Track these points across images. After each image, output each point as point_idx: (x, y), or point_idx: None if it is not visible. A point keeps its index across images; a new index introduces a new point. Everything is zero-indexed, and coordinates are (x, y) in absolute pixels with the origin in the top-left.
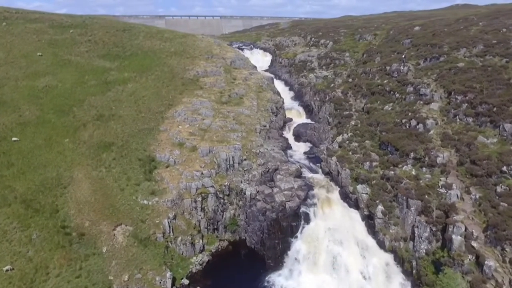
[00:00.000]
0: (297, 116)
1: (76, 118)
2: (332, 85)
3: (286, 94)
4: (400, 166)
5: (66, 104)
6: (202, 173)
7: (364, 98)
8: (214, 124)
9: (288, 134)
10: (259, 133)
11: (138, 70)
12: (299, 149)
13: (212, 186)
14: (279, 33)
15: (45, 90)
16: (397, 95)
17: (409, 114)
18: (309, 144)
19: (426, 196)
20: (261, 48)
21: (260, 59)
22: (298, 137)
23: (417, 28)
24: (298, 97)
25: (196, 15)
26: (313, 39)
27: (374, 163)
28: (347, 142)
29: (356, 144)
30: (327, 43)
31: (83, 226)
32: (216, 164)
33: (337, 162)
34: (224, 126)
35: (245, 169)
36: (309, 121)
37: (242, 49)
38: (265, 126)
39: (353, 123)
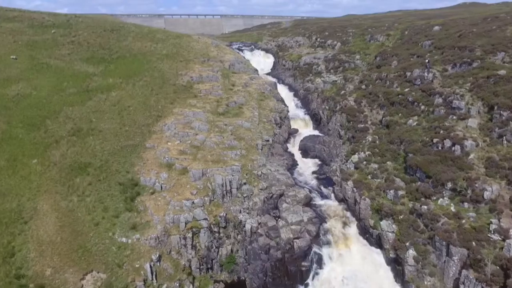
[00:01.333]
0: (304, 126)
1: (48, 133)
2: (343, 92)
3: (290, 100)
4: (434, 198)
5: (38, 116)
6: (193, 202)
7: (381, 109)
8: (208, 140)
9: (294, 149)
10: (261, 149)
11: (124, 76)
12: (307, 167)
13: (205, 219)
14: (281, 32)
15: (16, 99)
16: (423, 107)
17: (441, 132)
18: (318, 161)
19: (474, 244)
20: (262, 49)
21: (262, 61)
22: (305, 152)
23: (436, 28)
24: (304, 104)
25: (196, 14)
26: (318, 39)
27: (400, 192)
28: (365, 162)
29: (376, 165)
30: (335, 44)
31: (44, 275)
32: (211, 190)
33: (354, 188)
34: (220, 142)
35: (244, 195)
36: (317, 132)
37: (242, 50)
38: (268, 140)
39: (370, 139)
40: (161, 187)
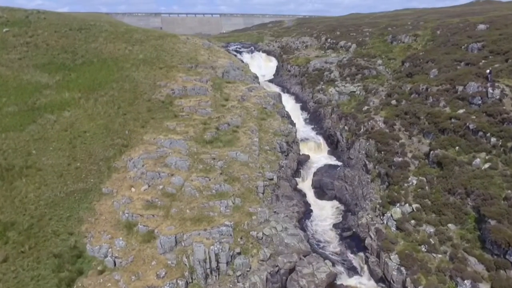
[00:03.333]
0: (316, 150)
1: None
2: (366, 107)
3: (297, 115)
4: None
5: None
6: None
7: (425, 137)
8: (188, 184)
9: (305, 184)
10: (262, 193)
11: (86, 88)
12: (325, 216)
13: None
14: (284, 32)
15: None
16: (493, 139)
17: None
18: (338, 205)
19: None
20: (263, 51)
21: (263, 65)
22: (321, 191)
23: (481, 26)
24: (315, 120)
25: (194, 12)
26: (329, 40)
27: (481, 286)
28: (413, 221)
29: (431, 229)
30: (349, 45)
31: None
32: (188, 268)
33: (402, 268)
34: (205, 187)
35: (238, 272)
36: (334, 160)
37: (240, 52)
38: (272, 179)
39: (414, 182)
40: (114, 262)
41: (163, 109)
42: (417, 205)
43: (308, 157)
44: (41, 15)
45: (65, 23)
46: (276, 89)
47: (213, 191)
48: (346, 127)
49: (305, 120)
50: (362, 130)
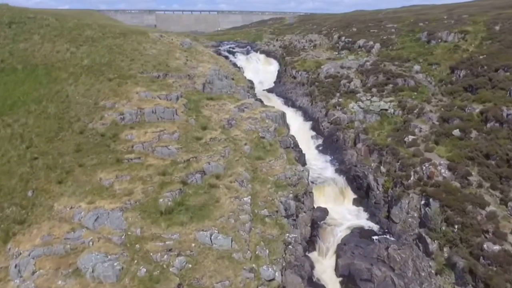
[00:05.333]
0: (336, 199)
1: None
2: (410, 137)
3: (306, 138)
4: None
5: None
6: None
7: None
8: None
9: (325, 266)
10: None
11: None
12: None
13: None
14: (286, 29)
15: None
16: None
17: None
18: None
19: None
20: (262, 52)
21: (261, 70)
22: (351, 283)
23: None
24: (331, 148)
25: (191, 10)
26: (343, 38)
27: None
28: None
29: None
30: (370, 45)
31: None
32: None
33: None
34: None
35: None
36: (364, 217)
37: (233, 53)
38: (273, 279)
39: None
40: None
41: (101, 148)
42: None
43: (325, 212)
44: None
45: None
46: (277, 101)
47: None
48: (382, 168)
49: (317, 147)
50: (412, 178)
